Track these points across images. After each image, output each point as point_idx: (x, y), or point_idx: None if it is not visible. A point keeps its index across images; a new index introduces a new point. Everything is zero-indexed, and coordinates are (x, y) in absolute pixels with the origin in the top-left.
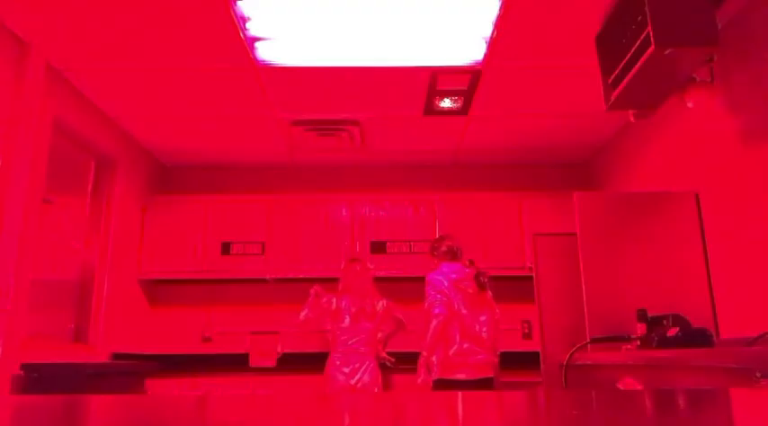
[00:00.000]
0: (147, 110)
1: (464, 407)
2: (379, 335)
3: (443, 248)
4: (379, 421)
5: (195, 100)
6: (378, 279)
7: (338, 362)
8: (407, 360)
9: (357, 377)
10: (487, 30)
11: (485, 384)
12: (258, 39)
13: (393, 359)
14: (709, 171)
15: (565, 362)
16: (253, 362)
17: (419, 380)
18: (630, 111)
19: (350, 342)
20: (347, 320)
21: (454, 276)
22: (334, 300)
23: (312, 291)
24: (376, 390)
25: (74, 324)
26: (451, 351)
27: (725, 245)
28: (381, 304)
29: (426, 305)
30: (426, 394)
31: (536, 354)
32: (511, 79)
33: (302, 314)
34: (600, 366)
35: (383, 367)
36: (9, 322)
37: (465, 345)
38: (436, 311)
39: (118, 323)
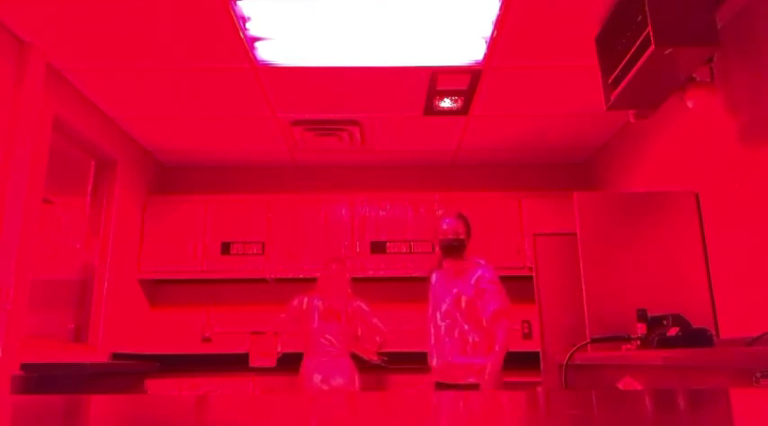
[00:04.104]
0: (147, 110)
1: (463, 407)
2: (367, 346)
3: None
4: (378, 422)
5: (195, 100)
6: (378, 280)
7: (311, 364)
8: (403, 360)
9: (331, 379)
10: (487, 29)
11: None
12: (258, 39)
13: (386, 358)
14: (709, 171)
15: (565, 362)
16: (253, 362)
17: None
18: (630, 111)
19: (321, 343)
20: (316, 320)
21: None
22: (306, 300)
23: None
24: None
25: (74, 324)
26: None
27: (725, 245)
28: (353, 305)
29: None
30: (425, 394)
31: (536, 354)
32: (511, 79)
33: (281, 315)
34: (600, 366)
35: (376, 366)
36: (9, 322)
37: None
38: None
39: (118, 323)
